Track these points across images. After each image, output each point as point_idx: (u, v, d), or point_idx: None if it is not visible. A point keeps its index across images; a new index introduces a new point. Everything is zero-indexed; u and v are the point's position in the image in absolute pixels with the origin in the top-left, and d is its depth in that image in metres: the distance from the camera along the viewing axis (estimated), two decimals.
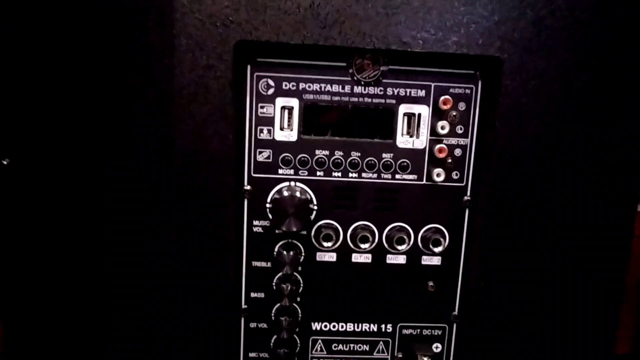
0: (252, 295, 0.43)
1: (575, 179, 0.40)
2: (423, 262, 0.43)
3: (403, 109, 0.40)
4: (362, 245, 0.41)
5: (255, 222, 0.42)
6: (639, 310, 0.71)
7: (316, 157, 0.40)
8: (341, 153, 0.40)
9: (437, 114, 0.40)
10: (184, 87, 0.37)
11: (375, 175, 0.41)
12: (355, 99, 0.40)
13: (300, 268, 0.42)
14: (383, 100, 0.40)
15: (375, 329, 0.44)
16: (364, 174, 0.41)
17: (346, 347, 0.44)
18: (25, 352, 0.41)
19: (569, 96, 0.38)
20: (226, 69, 0.36)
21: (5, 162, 0.39)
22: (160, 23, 0.36)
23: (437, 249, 0.42)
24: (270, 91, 0.39)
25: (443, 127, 0.40)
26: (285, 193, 0.39)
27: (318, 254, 0.42)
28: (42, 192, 0.39)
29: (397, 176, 0.41)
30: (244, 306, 0.43)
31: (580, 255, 0.41)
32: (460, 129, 0.41)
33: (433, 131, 0.40)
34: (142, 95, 0.37)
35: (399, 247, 0.41)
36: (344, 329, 0.44)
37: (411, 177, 0.41)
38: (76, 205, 0.39)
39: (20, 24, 0.36)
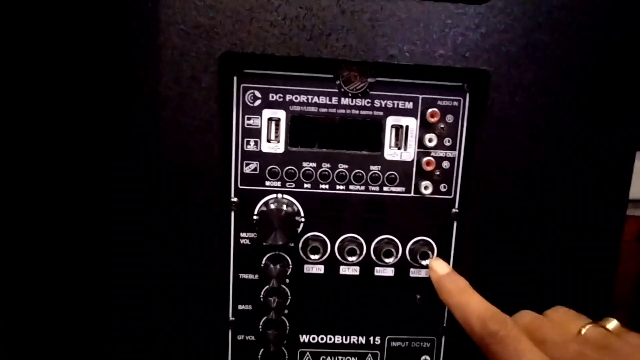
0: (240, 307, 0.43)
1: (563, 190, 0.40)
2: (411, 275, 0.43)
3: (391, 121, 0.40)
4: (350, 258, 0.41)
5: (243, 234, 0.41)
6: (633, 316, 0.71)
7: (303, 169, 0.40)
8: (328, 165, 0.40)
9: (425, 127, 0.40)
10: (169, 99, 0.36)
11: (362, 188, 0.41)
12: (343, 111, 0.40)
13: (287, 280, 0.42)
14: (371, 112, 0.40)
15: (363, 341, 0.44)
16: (351, 186, 0.41)
17: (334, 359, 0.44)
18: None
19: (556, 109, 0.38)
20: (212, 81, 0.36)
21: None
22: (144, 33, 0.36)
23: (425, 262, 0.41)
24: (257, 102, 0.39)
25: (431, 139, 0.40)
26: (272, 206, 0.39)
27: (305, 266, 0.42)
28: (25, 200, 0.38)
29: (385, 188, 0.41)
30: (231, 318, 0.43)
31: (569, 266, 0.41)
32: (448, 141, 0.40)
33: (421, 143, 0.40)
34: (126, 106, 0.36)
35: (387, 260, 0.41)
36: (332, 341, 0.44)
37: (399, 189, 0.41)
38: (63, 212, 0.39)
39: (12, 30, 0.36)
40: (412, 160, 0.40)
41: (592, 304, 0.42)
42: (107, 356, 0.41)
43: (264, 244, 0.41)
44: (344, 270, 0.42)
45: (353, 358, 0.44)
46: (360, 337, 0.44)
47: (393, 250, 0.41)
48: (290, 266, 0.42)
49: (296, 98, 0.39)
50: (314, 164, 0.40)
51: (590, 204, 0.40)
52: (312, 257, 0.41)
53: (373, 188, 0.41)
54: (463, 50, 0.36)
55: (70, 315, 0.40)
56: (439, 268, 0.39)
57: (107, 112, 0.37)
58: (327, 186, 0.40)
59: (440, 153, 0.40)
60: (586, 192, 0.40)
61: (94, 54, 0.36)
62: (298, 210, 0.40)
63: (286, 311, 0.43)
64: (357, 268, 0.42)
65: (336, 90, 0.39)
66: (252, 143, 0.40)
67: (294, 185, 0.40)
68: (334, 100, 0.39)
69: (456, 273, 0.39)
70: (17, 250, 0.39)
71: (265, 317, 0.43)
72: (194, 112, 0.36)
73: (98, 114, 0.37)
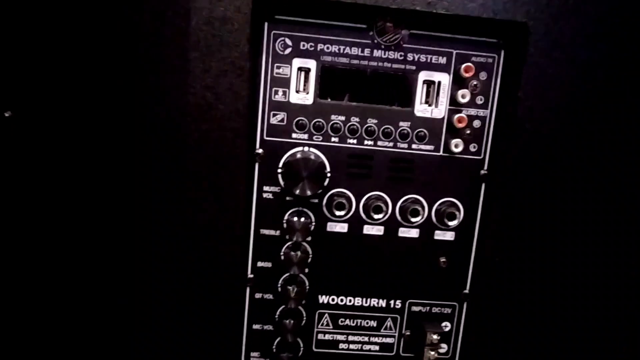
0: (259, 264, 0.42)
1: (599, 153, 0.38)
2: (436, 237, 0.42)
3: (423, 76, 0.39)
4: (375, 216, 0.40)
5: (265, 188, 0.40)
6: None
7: (331, 123, 0.39)
8: (357, 119, 0.39)
9: (458, 83, 0.39)
10: (199, 40, 0.35)
11: (391, 144, 0.40)
12: (375, 63, 0.39)
13: (310, 237, 0.41)
14: (403, 66, 0.39)
15: (384, 305, 0.43)
16: (379, 142, 0.40)
17: (353, 322, 0.43)
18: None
19: (596, 65, 0.37)
20: (244, 23, 0.35)
21: (7, 115, 0.38)
22: None
23: (452, 224, 0.40)
24: (288, 51, 0.38)
25: (464, 95, 0.39)
26: (299, 156, 0.38)
27: (329, 224, 0.41)
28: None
29: (414, 146, 0.40)
30: (250, 275, 0.42)
31: (601, 234, 0.40)
32: (481, 99, 0.39)
33: (453, 100, 0.39)
34: (154, 46, 0.35)
35: (413, 220, 0.40)
36: (351, 303, 0.43)
37: (428, 147, 0.40)
38: (85, 164, 0.38)
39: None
40: (443, 118, 0.40)
41: (623, 276, 0.41)
42: (120, 311, 0.40)
43: (288, 198, 0.40)
44: (368, 229, 0.41)
45: (372, 322, 0.43)
46: (380, 300, 0.43)
47: (419, 210, 0.40)
48: (314, 223, 0.41)
49: (328, 48, 0.38)
50: (343, 118, 0.39)
51: (627, 167, 0.39)
52: (337, 213, 0.40)
53: (402, 145, 0.40)
54: (503, 0, 0.35)
55: (97, 269, 0.39)
56: None
57: (132, 53, 0.36)
58: (355, 141, 0.39)
59: (472, 111, 0.40)
60: (624, 154, 0.39)
61: None
62: (324, 164, 0.39)
63: (306, 270, 0.42)
64: (382, 228, 0.41)
65: (369, 41, 0.38)
66: (280, 93, 0.38)
67: (321, 139, 0.39)
68: (367, 51, 0.38)
69: None
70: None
71: (285, 274, 0.42)
72: (223, 55, 0.35)
73: (122, 55, 0.36)
